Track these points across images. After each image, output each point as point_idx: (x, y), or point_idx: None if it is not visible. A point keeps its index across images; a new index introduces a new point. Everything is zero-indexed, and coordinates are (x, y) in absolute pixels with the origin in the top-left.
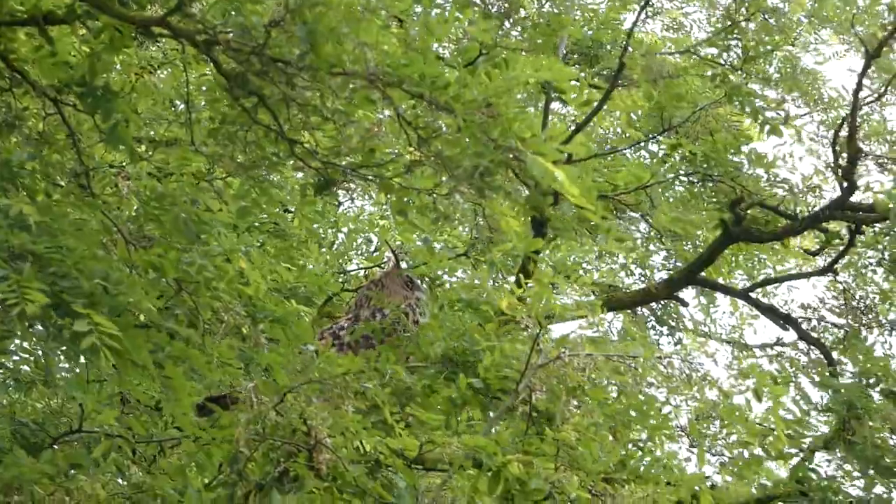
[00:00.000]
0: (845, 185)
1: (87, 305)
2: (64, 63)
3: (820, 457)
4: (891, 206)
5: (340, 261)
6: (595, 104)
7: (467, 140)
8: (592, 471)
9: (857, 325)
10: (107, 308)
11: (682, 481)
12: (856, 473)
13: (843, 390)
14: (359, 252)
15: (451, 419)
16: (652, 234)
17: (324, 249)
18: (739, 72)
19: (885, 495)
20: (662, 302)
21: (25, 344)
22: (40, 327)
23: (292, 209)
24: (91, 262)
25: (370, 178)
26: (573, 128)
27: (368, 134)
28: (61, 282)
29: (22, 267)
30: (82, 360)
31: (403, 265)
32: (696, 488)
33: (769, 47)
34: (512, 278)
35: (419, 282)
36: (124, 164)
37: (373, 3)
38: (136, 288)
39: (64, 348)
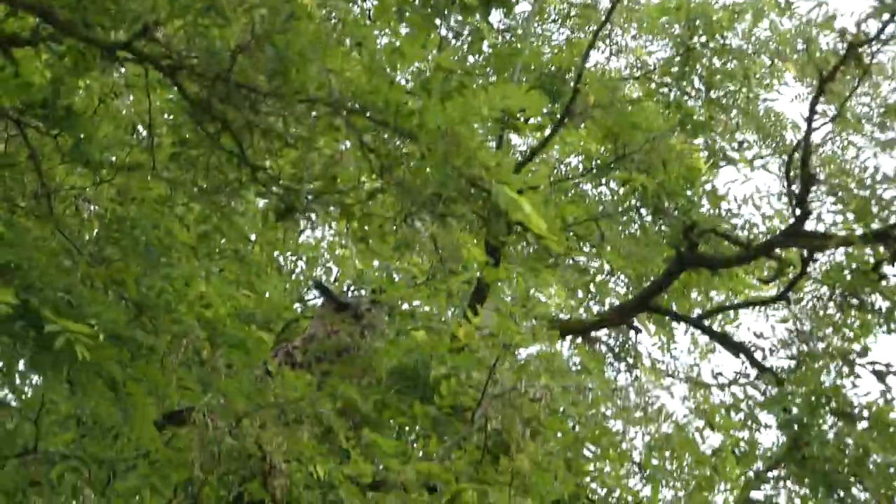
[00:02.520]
0: (798, 212)
1: (53, 312)
2: (27, 85)
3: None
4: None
5: (299, 288)
6: (549, 131)
7: (429, 169)
8: (546, 500)
9: (807, 352)
10: (71, 320)
11: None
12: (805, 493)
13: (793, 407)
14: (314, 280)
15: (404, 442)
16: (604, 266)
17: (283, 277)
18: (696, 101)
19: None
20: (620, 338)
21: None
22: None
23: (253, 237)
24: (55, 277)
25: (332, 205)
26: (529, 153)
27: (331, 161)
28: (27, 291)
29: None
30: (35, 381)
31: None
32: None
33: (729, 86)
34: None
35: (367, 308)
36: (86, 187)
37: (338, 30)
38: (99, 301)
39: (30, 356)
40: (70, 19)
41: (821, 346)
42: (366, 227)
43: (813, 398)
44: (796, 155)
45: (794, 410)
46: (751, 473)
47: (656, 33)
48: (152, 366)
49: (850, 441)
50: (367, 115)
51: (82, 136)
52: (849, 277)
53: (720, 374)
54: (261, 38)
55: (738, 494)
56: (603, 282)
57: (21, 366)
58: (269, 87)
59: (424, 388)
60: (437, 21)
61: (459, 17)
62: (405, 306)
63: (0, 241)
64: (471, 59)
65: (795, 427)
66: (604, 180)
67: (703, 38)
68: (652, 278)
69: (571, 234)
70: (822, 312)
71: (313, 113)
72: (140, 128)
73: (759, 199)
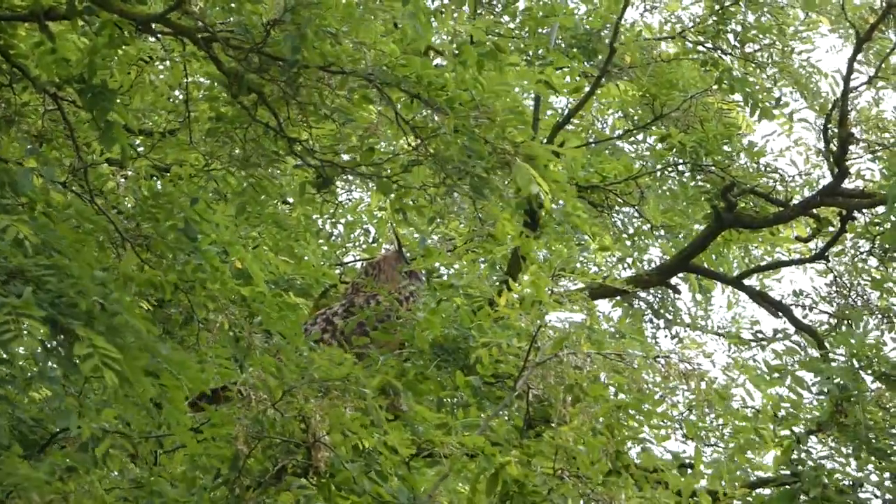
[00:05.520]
0: (836, 171)
1: (84, 324)
2: (64, 59)
3: (813, 441)
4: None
5: (337, 252)
6: (586, 91)
7: (463, 141)
8: (590, 473)
9: (848, 311)
10: (104, 327)
11: (677, 484)
12: (849, 457)
13: (834, 374)
14: (356, 244)
15: (446, 412)
16: (642, 226)
17: (321, 241)
18: (731, 57)
19: (875, 477)
20: (659, 294)
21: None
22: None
23: (291, 201)
24: (89, 283)
25: (369, 175)
26: (566, 114)
27: (367, 132)
28: (58, 301)
29: (20, 289)
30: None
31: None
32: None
33: (761, 36)
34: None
35: (418, 273)
36: (122, 164)
37: (370, 3)
38: (133, 308)
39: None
40: None
41: (859, 302)
42: (402, 199)
43: (854, 361)
44: (834, 113)
45: (835, 377)
46: (794, 434)
47: None
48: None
49: (892, 405)
50: (401, 87)
51: (115, 116)
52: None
53: (760, 331)
54: (293, 12)
55: (781, 455)
56: (645, 232)
57: None
58: (295, 62)
59: (465, 358)
60: None
61: None
62: (444, 274)
63: (33, 246)
64: (505, 19)
65: (837, 391)
66: (640, 136)
67: None
68: (690, 235)
69: (608, 191)
70: (861, 266)
71: (348, 85)
72: (176, 99)
73: (796, 154)
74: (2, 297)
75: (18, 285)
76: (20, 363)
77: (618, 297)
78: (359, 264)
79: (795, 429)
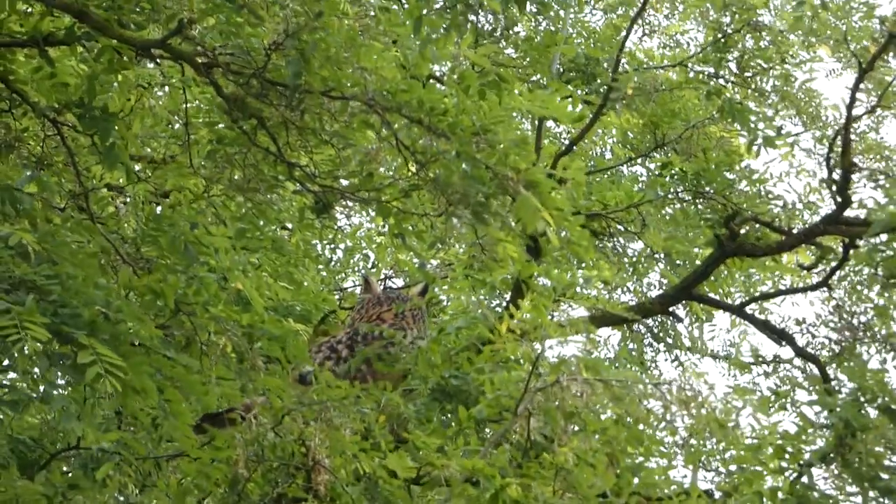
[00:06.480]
0: (839, 200)
1: (88, 334)
2: (63, 84)
3: (817, 473)
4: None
5: (337, 278)
6: (588, 120)
7: (464, 167)
8: (590, 495)
9: (852, 340)
10: (108, 335)
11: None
12: (852, 489)
13: (838, 409)
14: (356, 269)
15: (447, 443)
16: (645, 254)
17: (320, 266)
18: (733, 86)
19: None
20: (659, 318)
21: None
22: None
23: (290, 226)
24: (91, 291)
25: (368, 200)
26: (568, 144)
27: (367, 157)
28: (61, 310)
29: (23, 298)
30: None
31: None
32: None
33: (762, 63)
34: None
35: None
36: (123, 184)
37: (372, 29)
38: (136, 316)
39: (66, 376)
40: (105, 18)
41: (862, 330)
42: (402, 224)
43: (859, 394)
44: (836, 142)
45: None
46: (799, 466)
47: (691, 15)
48: (189, 370)
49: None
50: (402, 112)
51: (116, 136)
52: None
53: (760, 356)
54: (293, 37)
55: (785, 485)
56: (647, 258)
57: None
58: (298, 87)
59: (467, 398)
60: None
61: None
62: (445, 301)
63: (35, 255)
64: (508, 51)
65: (841, 425)
66: (640, 164)
67: (738, 17)
68: (693, 262)
69: (609, 219)
70: (864, 292)
71: (348, 110)
72: (175, 124)
73: (796, 181)
74: (6, 303)
75: (21, 294)
76: (19, 385)
77: (619, 324)
78: (357, 290)
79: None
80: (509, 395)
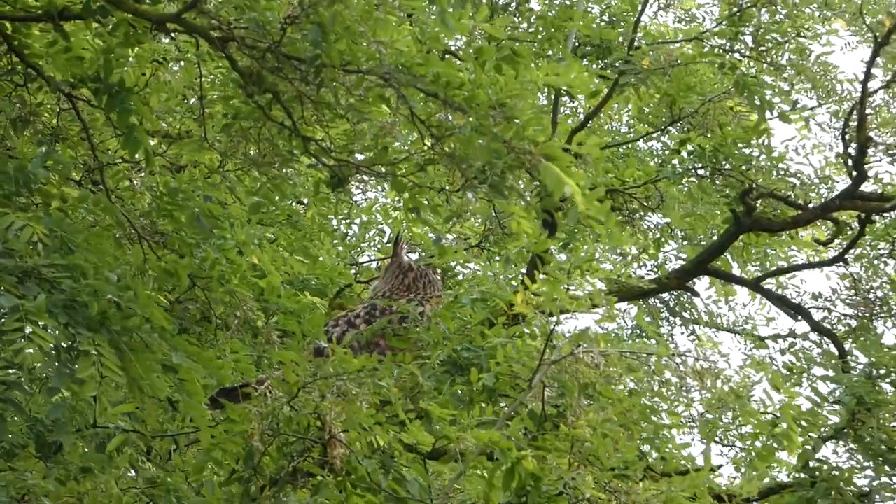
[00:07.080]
0: (855, 174)
1: (95, 332)
2: (78, 58)
3: (830, 447)
4: None
5: (352, 252)
6: (604, 95)
7: (480, 141)
8: (606, 467)
9: (868, 315)
10: (119, 327)
11: (692, 476)
12: (865, 464)
13: (852, 383)
14: (371, 243)
15: (462, 415)
16: (662, 228)
17: (336, 241)
18: (748, 60)
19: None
20: (675, 293)
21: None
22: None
23: (305, 201)
24: (103, 282)
25: (384, 175)
26: (582, 119)
27: (382, 131)
28: (72, 303)
29: (33, 290)
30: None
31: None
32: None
33: (777, 37)
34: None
35: (434, 276)
36: (138, 159)
37: (388, 3)
38: (150, 304)
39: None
40: None
41: (878, 305)
42: (417, 198)
43: (874, 370)
44: (852, 116)
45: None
46: (811, 440)
47: None
48: (204, 347)
49: None
50: (418, 86)
51: (134, 114)
52: None
53: (780, 336)
54: (309, 10)
55: (798, 459)
56: (664, 230)
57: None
58: (315, 62)
59: (479, 371)
60: None
61: None
62: (461, 272)
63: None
64: (523, 26)
65: (854, 401)
66: (658, 137)
67: None
68: (710, 237)
69: (627, 194)
70: (880, 267)
71: (364, 84)
72: (191, 98)
73: (812, 157)
74: (15, 298)
75: (32, 286)
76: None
77: (636, 299)
78: (374, 264)
79: (812, 434)
80: (523, 363)
